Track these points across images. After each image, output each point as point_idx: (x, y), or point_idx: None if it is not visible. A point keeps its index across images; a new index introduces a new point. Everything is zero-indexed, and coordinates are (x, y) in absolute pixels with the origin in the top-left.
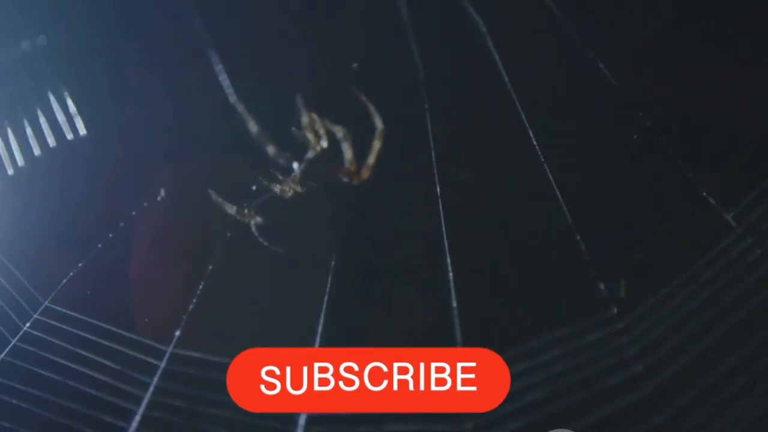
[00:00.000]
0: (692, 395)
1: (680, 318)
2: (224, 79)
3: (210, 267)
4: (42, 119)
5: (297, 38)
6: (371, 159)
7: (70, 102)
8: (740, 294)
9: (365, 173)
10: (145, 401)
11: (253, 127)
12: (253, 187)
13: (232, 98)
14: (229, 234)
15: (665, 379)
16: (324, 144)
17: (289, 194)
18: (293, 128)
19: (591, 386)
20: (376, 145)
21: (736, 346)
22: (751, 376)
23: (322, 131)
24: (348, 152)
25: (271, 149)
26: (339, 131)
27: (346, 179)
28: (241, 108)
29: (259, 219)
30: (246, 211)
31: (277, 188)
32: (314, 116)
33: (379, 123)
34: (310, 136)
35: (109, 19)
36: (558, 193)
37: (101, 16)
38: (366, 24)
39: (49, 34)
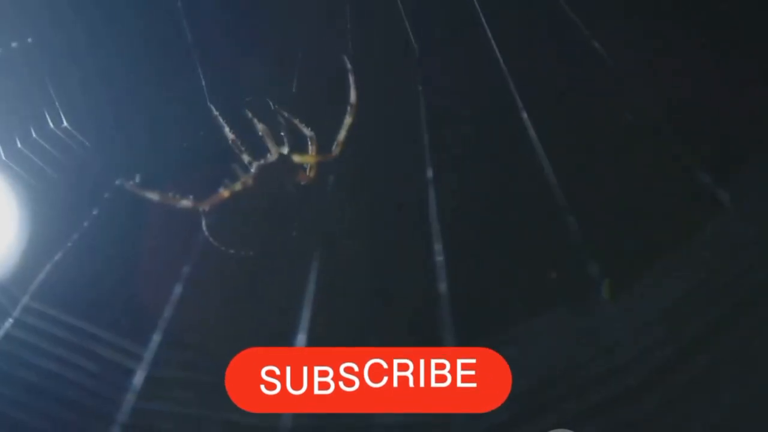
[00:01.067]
0: (684, 381)
1: (671, 303)
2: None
3: (185, 269)
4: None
5: (292, 17)
6: (342, 134)
7: (53, 95)
8: (733, 278)
9: (336, 150)
10: (127, 405)
11: (228, 132)
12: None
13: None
14: (206, 234)
15: (654, 367)
16: (284, 150)
17: (239, 189)
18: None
19: (579, 373)
20: (348, 120)
21: (729, 330)
22: (744, 362)
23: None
24: (311, 158)
25: (230, 135)
26: (307, 132)
27: (303, 182)
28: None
29: (211, 217)
30: (201, 208)
31: (230, 184)
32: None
33: (353, 97)
34: (268, 143)
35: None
36: (551, 177)
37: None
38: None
39: (35, 36)
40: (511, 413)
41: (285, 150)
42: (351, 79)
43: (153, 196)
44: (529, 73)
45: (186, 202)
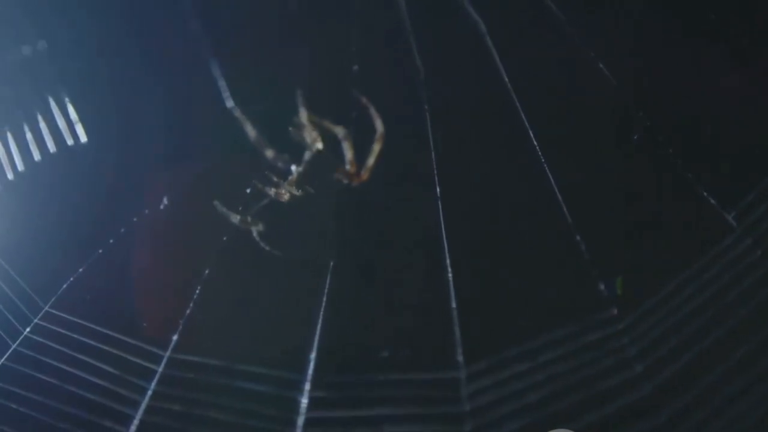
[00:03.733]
0: (691, 396)
1: (681, 318)
2: (222, 84)
3: (207, 271)
4: (42, 124)
5: (295, 39)
6: (371, 161)
7: (70, 107)
8: (740, 295)
9: (365, 175)
10: (143, 406)
11: (250, 131)
12: (248, 190)
13: (229, 103)
14: (225, 238)
15: (665, 380)
16: (320, 145)
17: (286, 197)
18: (290, 128)
19: (591, 387)
20: (376, 147)
21: (735, 347)
22: (750, 377)
23: (316, 132)
24: (348, 153)
25: (269, 153)
26: (340, 132)
27: (345, 180)
28: (238, 113)
29: (261, 226)
30: (249, 219)
31: (272, 192)
32: (312, 116)
33: (379, 126)
34: (307, 136)
35: (106, 24)
36: (558, 192)
37: (99, 20)
38: (365, 24)
39: (49, 39)
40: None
41: (320, 145)
42: (372, 109)
43: (233, 219)
44: (537, 92)
45: (256, 222)
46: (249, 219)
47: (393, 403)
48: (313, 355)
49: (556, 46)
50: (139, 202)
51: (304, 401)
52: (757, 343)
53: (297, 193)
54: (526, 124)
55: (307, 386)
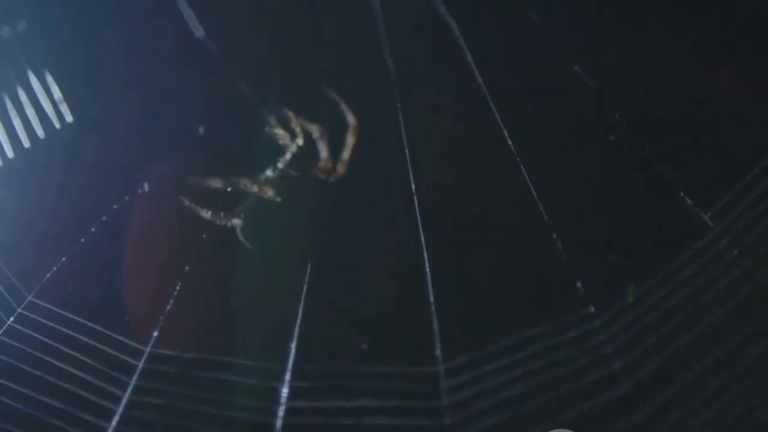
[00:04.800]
0: (669, 395)
1: (658, 317)
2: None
3: (187, 268)
4: (28, 112)
5: (269, 39)
6: (345, 154)
7: (56, 91)
8: (717, 294)
9: (341, 169)
10: (124, 400)
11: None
12: (228, 189)
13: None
14: (204, 236)
15: (642, 378)
16: (300, 142)
17: (269, 194)
18: (267, 128)
19: (568, 384)
20: (350, 140)
21: (713, 346)
22: (728, 376)
23: (298, 129)
24: (324, 150)
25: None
26: (315, 129)
27: (323, 176)
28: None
29: (236, 221)
30: (222, 214)
31: (255, 189)
32: (289, 114)
33: (351, 119)
34: (284, 134)
35: (92, 7)
36: (534, 192)
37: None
38: (338, 24)
39: (30, 20)
40: (489, 410)
41: (300, 142)
42: (342, 104)
43: (204, 214)
44: (514, 93)
45: (229, 218)
46: (221, 214)
47: (373, 395)
48: (293, 345)
49: (531, 47)
50: (119, 191)
51: (285, 391)
52: (735, 343)
53: (278, 190)
54: (501, 123)
55: (288, 376)
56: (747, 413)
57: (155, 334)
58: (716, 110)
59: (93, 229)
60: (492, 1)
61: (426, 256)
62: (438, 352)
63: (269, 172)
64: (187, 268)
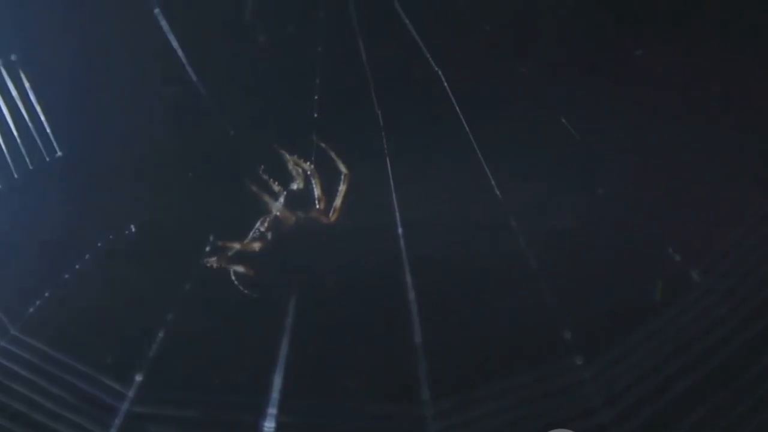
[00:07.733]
0: None
1: (647, 369)
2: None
3: (170, 316)
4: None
5: (258, 86)
6: (338, 202)
7: (46, 122)
8: (706, 347)
9: (333, 216)
10: None
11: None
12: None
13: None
14: (188, 287)
15: (632, 429)
16: (294, 187)
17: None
18: (260, 171)
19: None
20: (342, 188)
21: (701, 398)
22: (717, 427)
23: (293, 174)
24: (317, 189)
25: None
26: (307, 168)
27: (317, 221)
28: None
29: (239, 268)
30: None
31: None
32: (289, 156)
33: (342, 168)
34: (272, 183)
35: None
36: (521, 239)
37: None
38: (327, 72)
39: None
40: None
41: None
42: (333, 155)
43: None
44: (501, 147)
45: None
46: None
47: None
48: (279, 380)
49: (519, 100)
50: (106, 226)
51: (271, 426)
52: (723, 398)
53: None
54: (489, 174)
55: (273, 411)
56: None
57: (139, 378)
58: (704, 161)
59: (77, 266)
60: (480, 53)
61: (414, 297)
62: (426, 396)
63: (259, 225)
64: (170, 316)
